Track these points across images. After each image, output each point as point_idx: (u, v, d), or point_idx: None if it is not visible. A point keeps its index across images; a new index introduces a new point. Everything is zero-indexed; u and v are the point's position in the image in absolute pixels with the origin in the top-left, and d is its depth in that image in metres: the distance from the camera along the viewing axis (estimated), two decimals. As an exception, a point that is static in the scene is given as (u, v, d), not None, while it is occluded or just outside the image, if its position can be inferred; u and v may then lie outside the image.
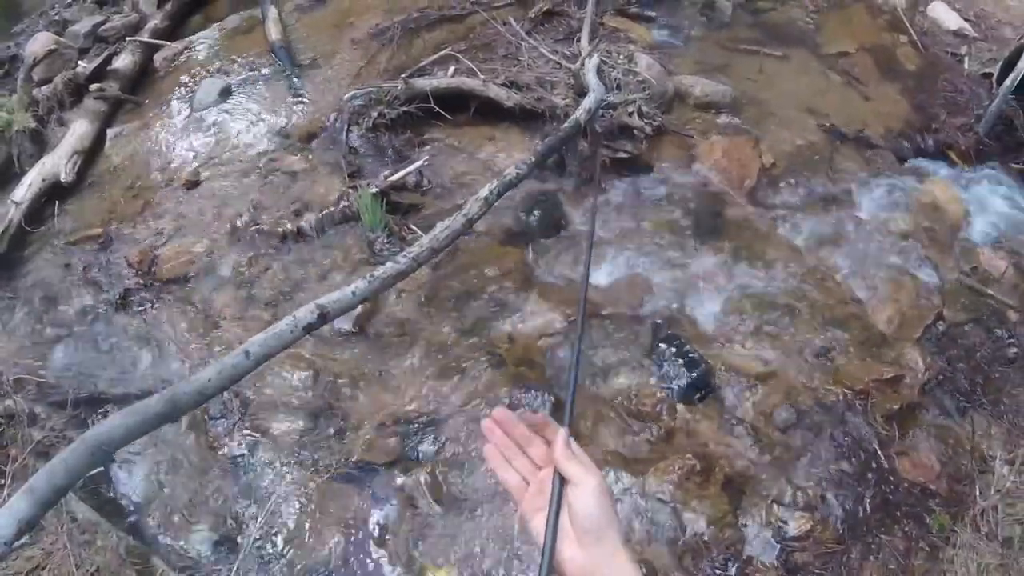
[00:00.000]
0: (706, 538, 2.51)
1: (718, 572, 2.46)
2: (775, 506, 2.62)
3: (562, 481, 0.93)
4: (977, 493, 2.77)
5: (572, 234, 3.36)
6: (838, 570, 2.52)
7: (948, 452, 2.89)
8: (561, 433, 0.96)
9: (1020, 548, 2.65)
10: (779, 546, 2.54)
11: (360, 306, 2.85)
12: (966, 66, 4.67)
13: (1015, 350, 3.26)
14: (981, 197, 3.95)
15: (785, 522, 2.59)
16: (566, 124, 3.28)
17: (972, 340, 3.27)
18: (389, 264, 2.74)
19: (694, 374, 2.81)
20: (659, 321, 3.05)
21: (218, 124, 4.09)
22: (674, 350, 2.88)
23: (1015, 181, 4.08)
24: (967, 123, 4.21)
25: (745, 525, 2.57)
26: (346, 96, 3.72)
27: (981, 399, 3.07)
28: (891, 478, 2.76)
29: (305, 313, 2.52)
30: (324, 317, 2.56)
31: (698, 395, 2.81)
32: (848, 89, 4.34)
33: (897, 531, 2.65)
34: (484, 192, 2.96)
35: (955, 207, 3.80)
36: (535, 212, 3.40)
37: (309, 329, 2.52)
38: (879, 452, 2.80)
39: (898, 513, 2.69)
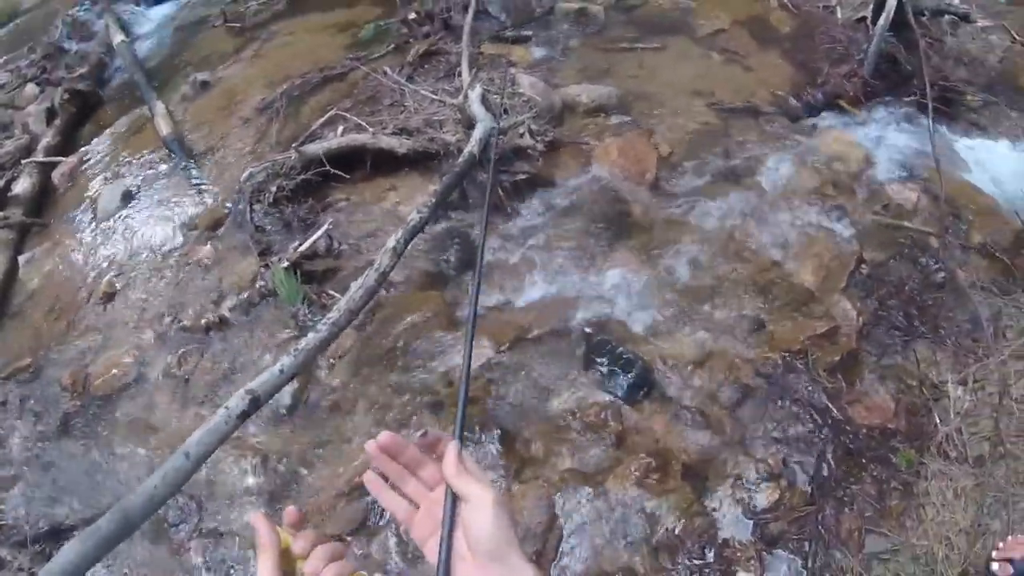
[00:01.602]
0: (677, 531, 2.50)
1: (696, 562, 2.46)
2: (739, 483, 2.63)
3: (455, 499, 0.87)
4: (937, 421, 2.82)
5: (489, 264, 3.37)
6: (815, 530, 2.53)
7: (899, 389, 2.93)
8: (452, 447, 0.90)
9: (992, 463, 2.69)
10: (751, 521, 2.55)
11: (293, 382, 2.84)
12: (839, 15, 4.81)
13: (942, 274, 3.32)
14: (879, 136, 4.06)
15: (752, 496, 2.60)
16: (460, 159, 3.30)
17: (898, 275, 3.33)
18: (311, 335, 2.72)
19: (632, 374, 2.82)
20: (588, 330, 3.05)
21: (125, 230, 4.04)
22: (608, 355, 2.89)
23: (909, 112, 4.19)
24: (851, 69, 4.32)
25: (714, 509, 2.58)
26: (243, 176, 3.70)
27: (919, 329, 3.12)
28: (848, 428, 2.79)
29: (237, 401, 2.49)
30: (256, 401, 2.53)
31: (641, 393, 2.82)
32: (730, 65, 4.44)
33: (866, 478, 2.68)
34: (391, 243, 2.96)
35: (855, 152, 3.90)
36: (449, 251, 3.41)
37: (244, 416, 2.49)
38: (830, 406, 2.83)
39: (863, 460, 2.71)
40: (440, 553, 0.84)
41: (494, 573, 0.83)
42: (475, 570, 0.83)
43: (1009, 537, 2.46)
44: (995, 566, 2.38)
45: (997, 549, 2.43)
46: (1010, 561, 2.36)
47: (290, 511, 0.97)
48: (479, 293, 1.22)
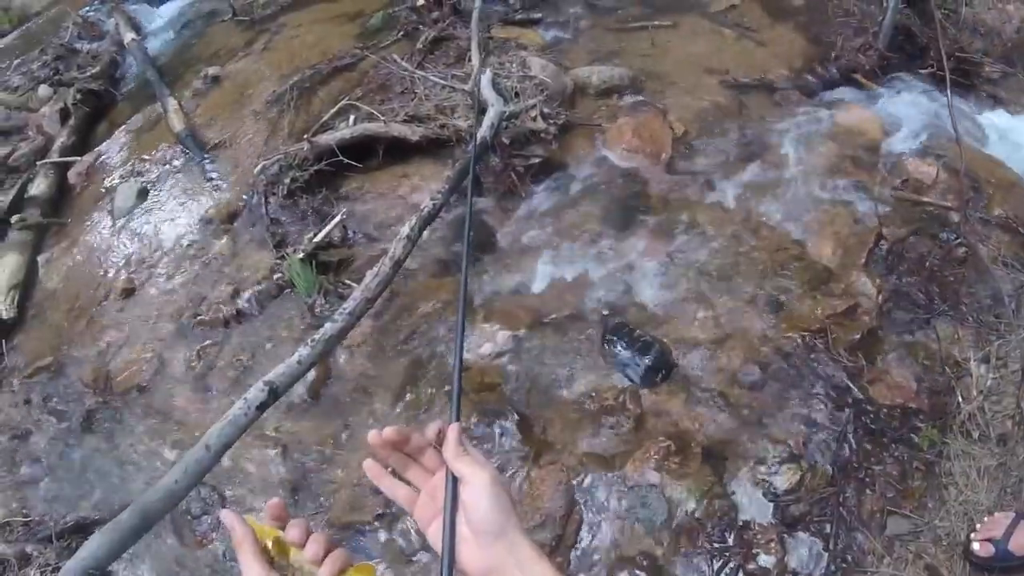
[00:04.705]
0: (698, 515, 2.50)
1: (717, 545, 2.45)
2: (759, 465, 2.61)
3: (455, 482, 0.89)
4: (959, 399, 2.78)
5: (503, 249, 3.37)
6: (836, 512, 2.51)
7: (921, 367, 2.88)
8: (453, 429, 0.93)
9: (1017, 442, 2.66)
10: (772, 504, 2.53)
11: (312, 372, 2.85)
12: (852, -13, 4.72)
13: (963, 249, 3.27)
14: (896, 110, 3.98)
15: (773, 478, 2.58)
16: (472, 144, 3.30)
17: (919, 251, 3.28)
18: (328, 325, 2.74)
19: (649, 357, 2.81)
20: (605, 313, 3.04)
21: (141, 226, 4.07)
22: (625, 339, 2.88)
23: (926, 85, 4.12)
24: (866, 43, 4.24)
25: (734, 492, 2.56)
26: (256, 169, 3.71)
27: (940, 306, 3.07)
28: (869, 407, 2.76)
29: (255, 393, 2.52)
30: (275, 392, 2.55)
31: (659, 376, 2.80)
32: (742, 40, 4.38)
33: (887, 458, 2.65)
34: (405, 231, 2.98)
35: (872, 127, 3.83)
36: (464, 237, 3.40)
37: (263, 408, 2.52)
38: (851, 385, 2.80)
39: (884, 440, 2.68)
40: (444, 535, 0.87)
41: (496, 550, 0.86)
42: (477, 549, 0.86)
43: (987, 517, 2.41)
44: (976, 546, 2.33)
45: (976, 528, 2.38)
46: (991, 541, 2.31)
47: (272, 504, 0.98)
48: (468, 274, 1.23)
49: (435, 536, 0.90)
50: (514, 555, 0.86)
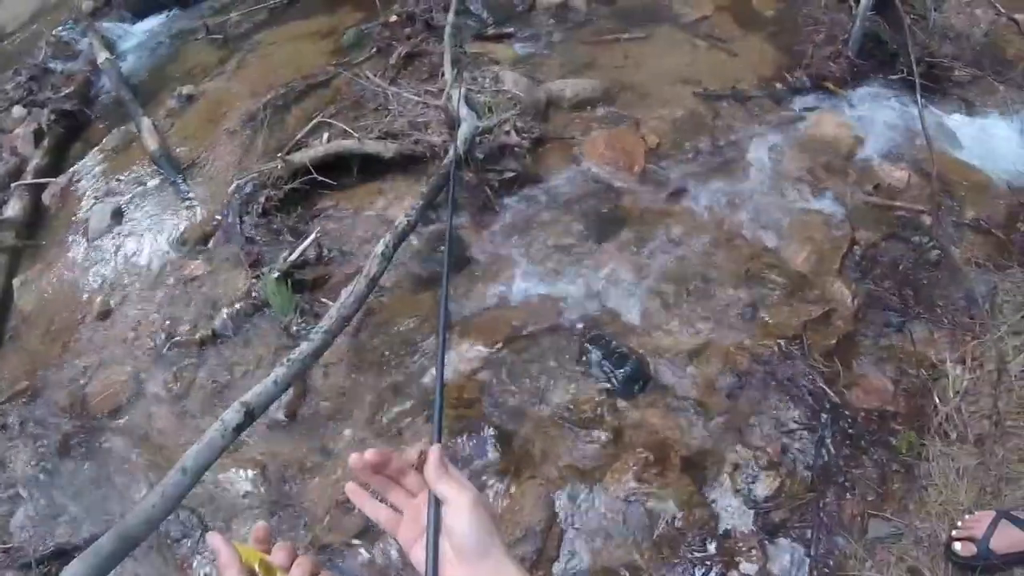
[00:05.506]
0: (678, 524, 2.49)
1: (698, 554, 2.45)
2: (738, 473, 2.61)
3: (438, 503, 0.89)
4: (936, 401, 2.79)
5: (479, 264, 3.37)
6: (817, 517, 2.52)
7: (897, 370, 2.90)
8: (434, 451, 0.92)
9: (994, 441, 2.67)
10: (752, 511, 2.53)
11: (289, 391, 2.84)
12: (822, -4, 4.77)
13: (937, 252, 3.30)
14: (867, 116, 4.02)
15: (752, 486, 2.58)
16: (446, 160, 3.30)
17: (892, 255, 3.31)
18: (304, 344, 2.72)
19: (627, 368, 2.81)
20: (581, 326, 3.05)
21: (116, 248, 4.04)
22: (602, 350, 2.89)
23: (896, 91, 4.16)
24: (836, 50, 4.27)
25: (714, 500, 2.56)
26: (231, 188, 3.70)
27: (915, 309, 3.10)
28: (846, 412, 2.77)
29: (232, 415, 2.49)
30: (251, 414, 2.53)
31: (637, 387, 2.81)
32: (714, 51, 4.42)
33: (866, 462, 2.66)
34: (380, 248, 2.97)
35: (844, 133, 3.87)
36: (440, 252, 3.40)
37: (239, 429, 2.49)
38: (827, 390, 2.81)
39: (862, 443, 2.69)
40: (427, 558, 0.87)
41: (480, 571, 0.86)
42: (461, 570, 0.87)
43: (967, 515, 2.42)
44: (957, 546, 2.33)
45: (956, 527, 2.39)
46: (972, 540, 2.32)
47: (258, 528, 0.99)
48: (448, 291, 1.23)
49: (419, 558, 0.90)
50: (498, 574, 0.87)
